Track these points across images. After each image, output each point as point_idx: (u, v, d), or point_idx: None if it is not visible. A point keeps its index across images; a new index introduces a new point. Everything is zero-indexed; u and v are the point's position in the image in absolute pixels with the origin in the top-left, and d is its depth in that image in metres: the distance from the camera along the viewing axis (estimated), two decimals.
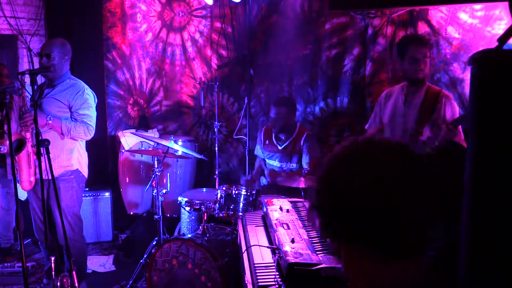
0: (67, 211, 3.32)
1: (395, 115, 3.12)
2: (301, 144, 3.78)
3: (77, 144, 3.41)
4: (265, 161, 4.05)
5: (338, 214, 0.90)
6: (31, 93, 2.87)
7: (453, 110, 2.94)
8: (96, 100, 3.45)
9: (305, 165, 3.75)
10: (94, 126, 3.35)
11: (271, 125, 3.88)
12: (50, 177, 2.80)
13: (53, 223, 3.34)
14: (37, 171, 3.06)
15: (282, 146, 3.86)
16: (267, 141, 3.97)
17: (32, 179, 3.18)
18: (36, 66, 4.70)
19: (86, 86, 3.38)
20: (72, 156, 3.37)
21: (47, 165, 2.76)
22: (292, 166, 3.83)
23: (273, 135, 3.92)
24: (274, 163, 3.93)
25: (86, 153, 3.55)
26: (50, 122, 3.16)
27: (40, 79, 3.66)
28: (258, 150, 4.12)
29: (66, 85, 3.33)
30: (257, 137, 4.12)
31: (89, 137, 3.36)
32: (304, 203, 2.88)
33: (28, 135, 3.09)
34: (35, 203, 3.41)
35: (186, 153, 3.87)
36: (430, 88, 3.01)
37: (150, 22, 5.14)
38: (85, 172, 3.51)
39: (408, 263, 0.90)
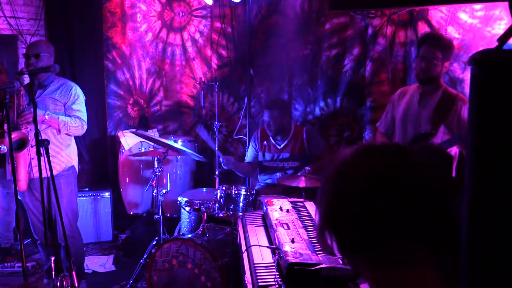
0: (67, 208, 3.35)
1: (408, 114, 3.09)
2: (304, 139, 3.81)
3: (72, 140, 3.51)
4: (255, 163, 4.05)
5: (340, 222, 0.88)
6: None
7: None
8: (85, 98, 3.55)
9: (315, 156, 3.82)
10: (86, 121, 3.46)
11: (266, 128, 3.89)
12: (49, 175, 2.81)
13: (52, 222, 3.35)
14: (35, 170, 3.07)
15: (281, 146, 3.87)
16: (265, 142, 3.97)
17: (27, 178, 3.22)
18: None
19: (75, 84, 3.49)
20: (70, 152, 3.47)
21: (47, 165, 2.76)
22: (294, 164, 3.83)
23: (270, 136, 3.93)
24: (274, 163, 3.94)
25: (77, 150, 3.65)
26: (47, 118, 3.19)
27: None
28: (248, 153, 4.11)
29: (56, 84, 3.42)
30: (251, 139, 4.11)
31: (83, 132, 3.46)
32: (304, 203, 2.88)
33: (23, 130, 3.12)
34: (31, 204, 3.41)
35: (186, 153, 3.86)
36: (446, 91, 2.97)
37: (150, 22, 5.14)
38: (77, 168, 3.61)
39: (410, 271, 0.86)
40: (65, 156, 3.42)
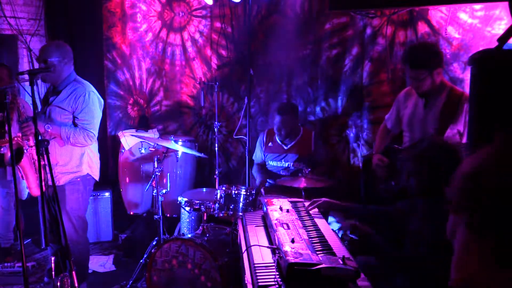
0: (71, 214, 3.30)
1: (414, 117, 3.05)
2: (312, 143, 3.84)
3: (87, 149, 3.34)
4: (265, 164, 4.05)
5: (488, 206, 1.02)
6: (30, 94, 2.86)
7: None
8: (102, 102, 3.37)
9: (317, 161, 3.82)
10: (95, 131, 3.26)
11: (276, 132, 3.90)
12: (50, 182, 2.79)
13: (55, 224, 3.33)
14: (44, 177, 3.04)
15: (288, 146, 3.89)
16: (270, 143, 3.98)
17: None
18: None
19: (90, 89, 3.28)
20: (82, 162, 3.33)
21: (47, 169, 2.73)
22: (299, 165, 3.84)
23: (277, 137, 3.94)
24: (279, 163, 3.94)
25: (97, 155, 3.49)
26: (48, 130, 3.12)
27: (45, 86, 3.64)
28: (257, 154, 4.12)
29: (69, 90, 3.23)
30: (258, 140, 4.12)
31: (89, 143, 3.26)
32: (304, 203, 2.89)
33: (30, 143, 3.07)
34: (45, 203, 3.39)
35: (186, 152, 3.86)
36: (452, 90, 2.91)
37: (150, 22, 5.14)
38: (95, 175, 3.46)
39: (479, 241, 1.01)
40: (75, 166, 3.29)
